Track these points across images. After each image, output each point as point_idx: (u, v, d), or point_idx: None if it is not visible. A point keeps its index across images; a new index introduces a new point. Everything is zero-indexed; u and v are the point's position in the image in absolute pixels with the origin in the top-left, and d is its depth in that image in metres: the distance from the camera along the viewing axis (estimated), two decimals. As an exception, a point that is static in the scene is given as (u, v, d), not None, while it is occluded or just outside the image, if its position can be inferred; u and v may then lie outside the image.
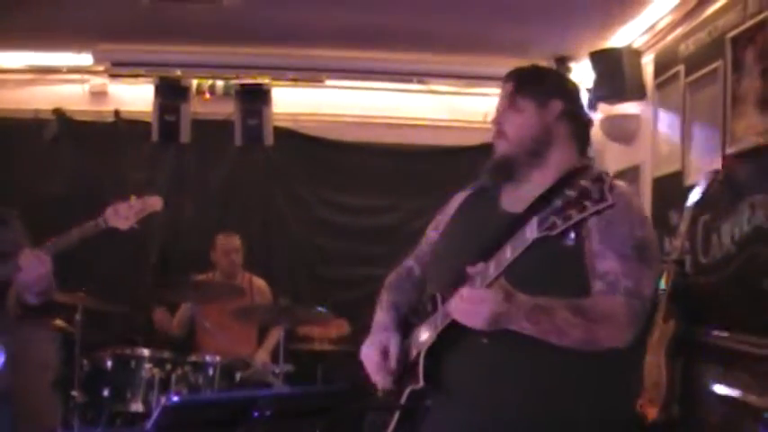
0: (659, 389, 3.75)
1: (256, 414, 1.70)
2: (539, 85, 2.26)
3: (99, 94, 5.87)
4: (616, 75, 4.82)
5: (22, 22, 4.85)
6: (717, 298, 3.84)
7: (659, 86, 4.70)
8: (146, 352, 4.49)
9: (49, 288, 3.05)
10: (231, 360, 4.62)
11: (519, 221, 1.94)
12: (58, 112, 5.73)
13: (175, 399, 1.65)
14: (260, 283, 5.39)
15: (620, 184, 2.15)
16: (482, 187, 2.37)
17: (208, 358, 4.54)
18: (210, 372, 4.47)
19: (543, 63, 5.40)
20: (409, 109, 5.98)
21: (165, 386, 4.38)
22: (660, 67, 4.69)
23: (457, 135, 5.88)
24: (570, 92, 2.30)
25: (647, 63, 4.85)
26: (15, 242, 3.10)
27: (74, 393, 4.33)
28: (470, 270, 1.96)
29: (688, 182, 4.22)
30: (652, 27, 4.68)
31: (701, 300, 3.95)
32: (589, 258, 2.06)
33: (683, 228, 3.96)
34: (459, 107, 5.95)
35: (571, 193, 1.75)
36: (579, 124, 2.28)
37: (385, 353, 2.27)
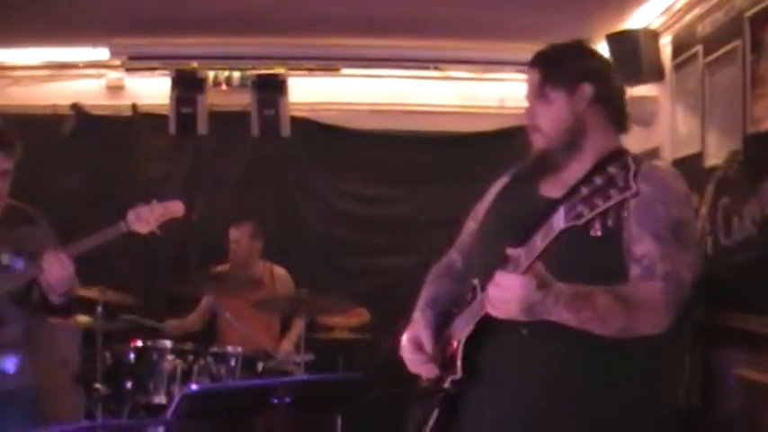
0: (681, 373, 3.73)
1: (275, 401, 1.71)
2: (566, 71, 2.20)
3: (116, 89, 5.90)
4: (633, 57, 4.77)
5: (37, 17, 4.87)
6: (739, 280, 3.81)
7: (677, 68, 4.66)
8: (168, 344, 4.51)
9: (72, 288, 3.08)
10: (253, 351, 4.63)
11: (555, 207, 1.87)
12: (75, 107, 5.76)
13: (195, 387, 1.66)
14: (281, 272, 5.40)
15: (658, 164, 2.13)
16: (519, 173, 2.34)
17: (229, 349, 4.56)
18: (232, 362, 4.49)
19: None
20: (425, 96, 5.96)
21: (186, 377, 4.40)
22: (678, 49, 4.64)
23: (473, 121, 5.87)
24: (599, 70, 2.23)
25: (665, 44, 4.80)
26: (41, 242, 3.13)
27: (97, 386, 4.36)
28: (509, 252, 1.90)
29: (707, 164, 4.18)
30: (669, 8, 4.63)
31: (723, 282, 3.92)
32: (627, 241, 2.01)
33: (703, 210, 3.92)
34: (475, 93, 5.93)
35: (598, 180, 1.71)
36: (613, 103, 2.23)
37: (418, 345, 2.25)
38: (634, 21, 4.90)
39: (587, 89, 2.18)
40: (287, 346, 5.10)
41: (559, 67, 2.21)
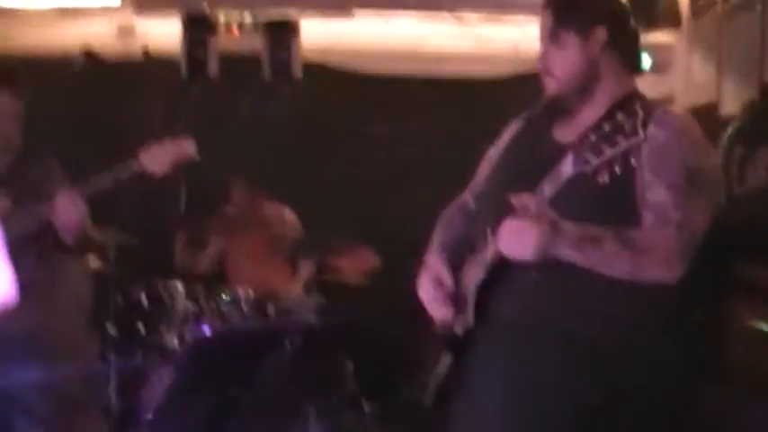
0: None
1: (287, 343, 1.72)
2: (580, 14, 2.17)
3: (126, 31, 5.84)
4: (650, 2, 4.71)
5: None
6: (751, 230, 3.80)
7: (695, 15, 4.60)
8: (179, 286, 4.53)
9: (84, 229, 3.09)
10: (263, 293, 4.65)
11: (565, 153, 1.91)
12: (85, 49, 5.72)
13: (206, 330, 1.66)
14: (288, 212, 5.39)
15: (672, 109, 2.14)
16: (532, 118, 2.34)
17: (240, 292, 4.58)
18: (243, 305, 4.50)
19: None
20: (439, 39, 5.89)
21: (198, 320, 4.43)
22: (696, -5, 4.58)
23: (487, 65, 5.81)
24: (613, 13, 2.21)
25: (683, -10, 4.74)
26: (53, 184, 3.13)
27: (109, 328, 4.40)
28: (514, 200, 1.94)
29: (723, 112, 4.15)
30: (688, -47, 4.56)
31: (735, 232, 3.90)
32: (640, 188, 2.01)
33: (717, 159, 3.90)
34: (490, 36, 5.85)
35: (606, 127, 1.73)
36: (627, 47, 2.21)
37: (439, 282, 2.26)
38: (652, -34, 4.82)
39: (601, 33, 2.15)
40: (296, 288, 5.11)
41: (573, 10, 2.19)
